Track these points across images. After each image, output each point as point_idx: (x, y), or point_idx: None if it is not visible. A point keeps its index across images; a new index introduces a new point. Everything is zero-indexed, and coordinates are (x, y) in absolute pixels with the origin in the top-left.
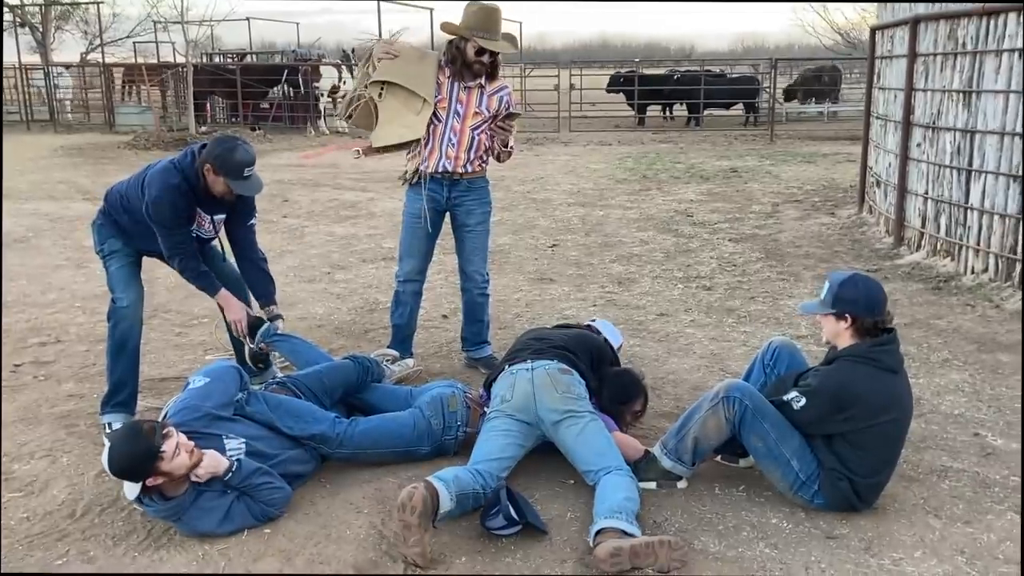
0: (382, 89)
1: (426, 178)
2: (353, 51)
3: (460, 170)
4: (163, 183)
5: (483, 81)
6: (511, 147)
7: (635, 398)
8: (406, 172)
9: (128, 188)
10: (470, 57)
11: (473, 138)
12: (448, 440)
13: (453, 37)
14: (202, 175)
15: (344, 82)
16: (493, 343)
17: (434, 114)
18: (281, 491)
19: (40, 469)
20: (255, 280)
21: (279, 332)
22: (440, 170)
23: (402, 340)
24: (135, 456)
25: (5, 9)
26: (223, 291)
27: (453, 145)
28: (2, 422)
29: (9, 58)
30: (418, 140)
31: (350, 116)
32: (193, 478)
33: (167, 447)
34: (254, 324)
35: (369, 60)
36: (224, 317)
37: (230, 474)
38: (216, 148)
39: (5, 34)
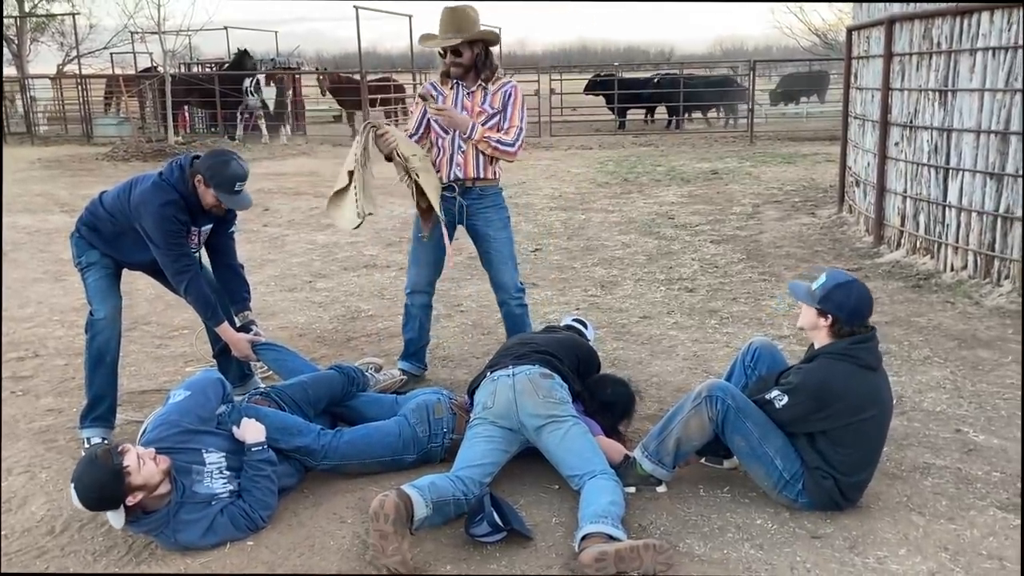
0: (415, 174)
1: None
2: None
3: (472, 174)
4: (161, 201)
5: (483, 82)
6: (476, 136)
7: (629, 415)
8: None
9: (115, 201)
10: (445, 62)
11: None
12: (434, 447)
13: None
14: (192, 186)
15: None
16: (476, 348)
17: (441, 127)
18: (274, 496)
19: (18, 485)
20: (233, 285)
21: (264, 340)
22: (452, 179)
23: (412, 354)
24: (103, 482)
25: None
26: (225, 324)
27: (462, 151)
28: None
29: None
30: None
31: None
32: (236, 434)
33: (128, 461)
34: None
35: (397, 156)
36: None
37: (262, 447)
38: (209, 160)
39: None
